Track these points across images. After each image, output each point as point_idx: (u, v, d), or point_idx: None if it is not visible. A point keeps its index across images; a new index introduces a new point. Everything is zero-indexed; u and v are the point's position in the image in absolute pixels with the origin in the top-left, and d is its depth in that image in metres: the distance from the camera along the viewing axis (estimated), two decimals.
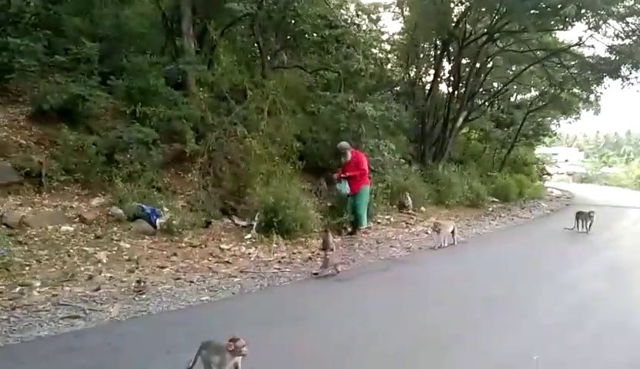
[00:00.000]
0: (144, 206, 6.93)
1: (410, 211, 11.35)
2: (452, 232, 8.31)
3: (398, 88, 17.40)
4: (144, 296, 4.88)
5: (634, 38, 13.48)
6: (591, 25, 13.52)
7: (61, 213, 6.57)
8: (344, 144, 8.82)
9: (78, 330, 4.01)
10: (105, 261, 5.66)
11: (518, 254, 8.15)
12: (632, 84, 14.99)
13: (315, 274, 5.98)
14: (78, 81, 8.02)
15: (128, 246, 6.20)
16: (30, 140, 7.52)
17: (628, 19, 13.11)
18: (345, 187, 8.53)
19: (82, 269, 5.38)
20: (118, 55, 9.32)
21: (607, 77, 16.07)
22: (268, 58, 11.45)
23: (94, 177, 7.31)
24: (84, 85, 7.95)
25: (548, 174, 28.47)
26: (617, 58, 14.64)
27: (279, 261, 6.57)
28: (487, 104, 20.76)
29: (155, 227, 6.81)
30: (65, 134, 7.27)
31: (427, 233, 9.46)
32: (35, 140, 7.58)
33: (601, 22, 13.31)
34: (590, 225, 9.86)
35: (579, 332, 4.27)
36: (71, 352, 3.58)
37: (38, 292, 4.72)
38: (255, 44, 11.41)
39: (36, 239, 5.81)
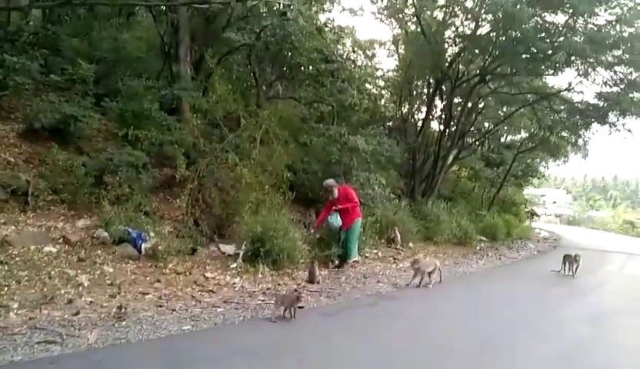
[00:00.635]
0: (130, 230, 6.84)
1: (398, 246, 11.32)
2: (433, 271, 7.97)
3: (390, 124, 17.61)
4: (124, 323, 4.77)
5: (621, 86, 13.81)
6: (580, 72, 13.85)
7: (45, 233, 6.46)
8: (330, 181, 8.79)
9: (53, 356, 3.90)
10: (86, 285, 5.54)
11: (504, 296, 8.12)
12: (619, 130, 15.28)
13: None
14: (72, 102, 8.04)
15: (111, 270, 6.09)
16: (19, 158, 7.46)
17: (616, 68, 13.46)
18: (336, 221, 8.47)
19: (62, 292, 5.26)
20: (113, 78, 9.38)
21: (595, 122, 16.38)
22: (264, 87, 11.58)
23: (81, 199, 7.23)
24: (77, 106, 7.97)
25: (536, 215, 28.64)
26: (605, 104, 14.97)
27: (264, 292, 6.47)
28: (477, 143, 21.06)
29: (140, 251, 6.70)
30: (55, 154, 7.23)
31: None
32: (24, 158, 7.52)
33: (590, 69, 13.64)
34: (576, 269, 9.88)
35: None
36: None
37: (15, 314, 4.60)
38: (251, 74, 11.55)
39: (17, 259, 5.68)
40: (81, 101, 8.11)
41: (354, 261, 8.76)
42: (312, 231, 8.88)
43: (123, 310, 5.03)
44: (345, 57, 12.14)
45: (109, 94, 8.85)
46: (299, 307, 5.96)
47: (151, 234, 7.14)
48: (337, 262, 8.58)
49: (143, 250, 6.72)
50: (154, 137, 8.06)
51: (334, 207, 8.48)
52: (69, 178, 7.21)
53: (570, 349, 5.14)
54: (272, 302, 5.52)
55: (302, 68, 11.24)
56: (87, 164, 7.44)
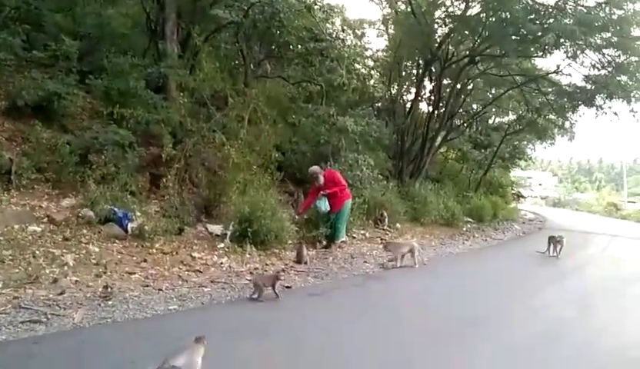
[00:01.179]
0: (116, 209, 6.77)
1: (385, 227, 11.37)
2: (411, 252, 7.94)
3: (379, 105, 17.57)
4: (110, 302, 4.75)
5: (609, 69, 13.86)
6: (569, 54, 13.87)
7: (30, 212, 6.39)
8: (315, 168, 8.76)
9: (38, 336, 3.87)
10: (71, 264, 5.49)
11: (489, 276, 8.21)
12: (606, 113, 15.38)
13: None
14: (56, 79, 7.88)
15: (96, 250, 6.04)
16: (1, 135, 7.36)
17: (605, 50, 13.48)
18: (324, 205, 8.46)
19: (47, 271, 5.21)
20: (98, 55, 9.19)
21: (582, 105, 16.46)
22: (252, 66, 11.43)
23: (66, 177, 7.14)
24: (61, 83, 7.81)
25: (522, 197, 28.92)
26: (592, 87, 15.02)
27: (251, 272, 6.47)
28: (465, 125, 21.08)
29: (126, 231, 6.65)
30: (38, 132, 7.11)
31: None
32: (7, 136, 7.40)
33: (578, 52, 13.65)
34: (560, 250, 10.02)
35: (545, 358, 4.30)
36: (30, 358, 3.46)
37: None
38: (239, 53, 11.37)
39: (1, 238, 5.61)
40: (64, 78, 7.95)
41: (341, 242, 8.79)
42: (297, 216, 8.85)
43: (109, 289, 5.00)
44: (334, 36, 11.99)
45: (94, 71, 8.68)
46: (286, 287, 6.01)
47: (138, 213, 7.08)
48: (324, 243, 8.60)
49: (129, 229, 6.67)
50: (140, 115, 7.93)
51: (322, 192, 8.47)
52: (53, 157, 7.11)
53: (553, 328, 5.21)
54: (252, 284, 5.50)
55: (291, 47, 11.12)
56: (71, 143, 7.34)
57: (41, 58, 8.24)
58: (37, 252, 5.56)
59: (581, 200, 48.44)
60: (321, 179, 8.51)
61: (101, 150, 7.39)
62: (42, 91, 7.59)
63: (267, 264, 7.04)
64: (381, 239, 10.34)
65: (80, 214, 6.67)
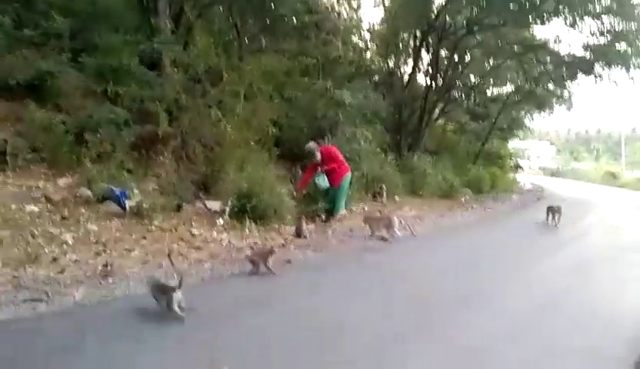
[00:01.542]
0: (113, 188, 6.74)
1: (384, 201, 11.39)
2: (386, 226, 7.85)
3: (376, 78, 17.39)
4: (110, 280, 4.76)
5: (608, 36, 13.72)
6: (567, 22, 13.71)
7: (27, 192, 6.36)
8: (311, 145, 8.67)
9: (40, 314, 3.89)
10: (70, 243, 5.49)
11: (488, 247, 8.24)
12: (605, 82, 15.31)
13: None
14: (48, 57, 7.76)
15: (95, 228, 6.03)
16: None
17: (604, 17, 13.32)
18: (323, 181, 8.43)
19: (47, 251, 5.20)
20: (90, 32, 9.02)
21: (581, 74, 16.35)
22: (246, 41, 11.29)
23: (62, 157, 7.09)
24: (53, 62, 7.71)
25: (521, 167, 28.89)
26: (591, 55, 14.91)
27: (251, 247, 6.48)
28: (463, 96, 20.91)
29: (124, 209, 6.63)
30: (32, 112, 7.04)
31: (400, 223, 9.49)
32: (0, 116, 7.30)
33: (577, 19, 13.50)
34: (559, 219, 10.05)
35: (546, 325, 4.34)
36: (33, 336, 3.47)
37: None
38: (233, 27, 11.20)
39: None
40: (56, 56, 7.84)
41: (340, 216, 8.80)
42: (296, 193, 8.83)
43: (109, 267, 5.00)
44: (329, 8, 11.80)
45: (86, 49, 8.54)
46: (287, 262, 6.03)
47: (135, 191, 7.04)
48: (324, 217, 8.61)
49: (127, 207, 6.65)
50: (134, 93, 7.86)
51: (320, 169, 8.43)
52: (48, 137, 7.05)
53: (553, 298, 5.25)
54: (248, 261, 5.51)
55: (286, 20, 10.95)
56: (66, 122, 7.28)
57: (32, 37, 8.10)
58: (35, 232, 5.54)
59: (579, 170, 48.41)
60: (318, 156, 8.46)
61: (97, 128, 7.32)
62: (34, 70, 7.49)
63: (266, 239, 7.04)
64: (380, 212, 10.35)
65: (77, 194, 6.65)
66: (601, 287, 5.86)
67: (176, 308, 3.80)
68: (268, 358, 3.32)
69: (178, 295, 3.82)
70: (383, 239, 7.72)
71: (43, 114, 7.17)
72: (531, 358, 3.59)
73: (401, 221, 8.11)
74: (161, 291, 3.95)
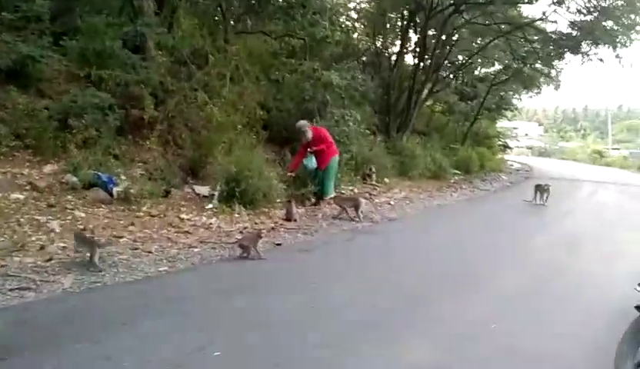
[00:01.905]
0: (100, 174, 6.66)
1: (374, 182, 11.40)
2: (355, 207, 7.87)
3: (364, 58, 17.28)
4: (99, 266, 4.72)
5: (595, 14, 13.71)
6: (555, 0, 13.66)
7: (11, 180, 6.25)
8: (302, 122, 8.61)
9: (28, 302, 3.83)
10: (57, 231, 5.42)
11: (477, 226, 8.32)
12: (591, 60, 15.35)
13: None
14: (28, 41, 7.54)
15: (82, 215, 5.97)
16: None
17: None
18: (312, 162, 8.41)
19: (33, 239, 5.14)
20: (71, 15, 8.82)
21: (568, 52, 16.38)
22: (231, 22, 11.10)
23: (46, 143, 6.94)
24: (34, 45, 7.48)
25: (509, 147, 29.06)
26: (578, 33, 14.91)
27: (241, 232, 6.46)
28: (451, 76, 20.91)
29: (111, 195, 6.56)
30: (15, 97, 6.88)
31: (389, 204, 9.55)
32: None
33: None
34: (547, 198, 10.15)
35: (537, 302, 4.39)
36: (22, 325, 3.43)
37: None
38: (218, 8, 11.01)
39: None
40: (37, 40, 7.62)
41: (330, 198, 8.78)
42: (289, 174, 8.79)
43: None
44: None
45: (68, 32, 8.33)
46: (277, 245, 6.03)
47: (122, 177, 6.98)
48: (313, 200, 8.59)
49: (115, 194, 6.58)
50: (118, 77, 7.69)
51: (309, 150, 8.39)
52: (32, 122, 6.90)
53: (540, 276, 5.32)
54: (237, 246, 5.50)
55: (271, 1, 10.76)
56: (50, 108, 7.13)
57: (11, 20, 7.85)
58: (21, 220, 5.47)
59: (566, 149, 48.90)
60: (309, 134, 8.40)
61: (81, 114, 7.16)
62: (15, 55, 7.27)
63: (256, 223, 7.03)
64: (370, 194, 10.36)
65: (63, 180, 6.55)
66: (589, 264, 5.94)
67: (97, 261, 4.46)
68: (257, 343, 3.32)
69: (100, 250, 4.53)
70: (353, 220, 7.76)
71: (26, 99, 7.02)
72: (520, 338, 3.63)
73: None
74: (87, 244, 4.64)
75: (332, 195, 8.73)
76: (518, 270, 5.51)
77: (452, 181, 14.35)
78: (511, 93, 24.18)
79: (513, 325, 3.82)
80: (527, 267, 5.65)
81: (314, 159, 8.41)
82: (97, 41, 8.01)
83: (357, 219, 7.72)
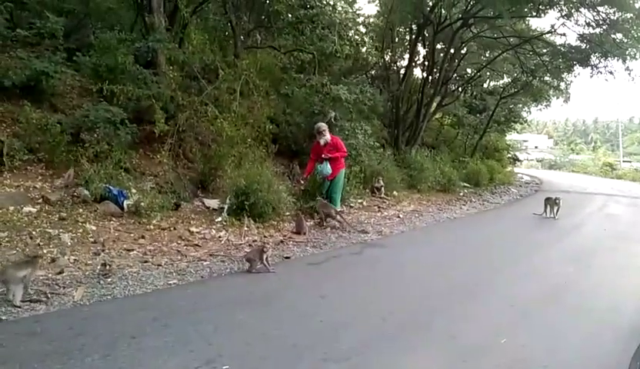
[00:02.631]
0: (111, 187, 6.74)
1: (382, 195, 11.39)
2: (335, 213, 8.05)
3: (372, 72, 17.37)
4: (109, 279, 4.76)
5: (604, 26, 13.69)
6: (563, 13, 13.69)
7: (24, 193, 6.34)
8: (323, 124, 8.59)
9: (39, 315, 3.88)
10: (69, 244, 5.48)
11: (488, 239, 8.26)
12: (601, 72, 15.30)
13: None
14: (42, 57, 7.71)
15: (93, 228, 6.03)
16: None
17: (599, 8, 13.29)
18: (327, 169, 8.34)
19: (45, 251, 5.19)
20: (84, 31, 9.02)
21: (577, 65, 16.34)
22: (241, 37, 11.23)
23: (58, 157, 7.05)
24: (48, 61, 7.63)
25: (518, 160, 28.95)
26: (587, 46, 14.89)
27: (250, 245, 6.48)
28: (460, 89, 20.96)
29: (122, 209, 6.63)
30: (28, 112, 6.99)
31: (399, 217, 9.54)
32: None
33: (573, 10, 13.47)
34: (557, 211, 10.07)
35: (548, 315, 4.35)
36: (32, 337, 3.46)
37: None
38: (228, 24, 11.15)
39: None
40: (51, 56, 7.77)
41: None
42: (303, 181, 8.79)
43: (108, 267, 5.00)
44: (324, 2, 11.73)
45: (81, 48, 8.50)
46: (285, 258, 6.04)
47: (133, 190, 7.04)
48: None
49: (125, 207, 6.65)
50: (130, 91, 7.79)
51: (323, 156, 8.39)
52: (45, 137, 7.01)
53: (551, 289, 5.27)
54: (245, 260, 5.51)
55: (281, 16, 10.89)
56: (62, 122, 7.24)
57: (26, 37, 8.04)
58: (33, 233, 5.54)
59: (577, 161, 48.49)
60: (328, 137, 8.40)
61: (93, 128, 7.28)
62: (29, 71, 7.42)
63: (265, 236, 7.04)
64: (379, 207, 10.38)
65: (75, 194, 6.63)
66: (600, 278, 5.87)
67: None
68: (267, 356, 3.32)
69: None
70: (335, 226, 7.87)
71: (39, 114, 7.13)
72: (531, 351, 3.60)
73: None
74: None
75: (339, 210, 8.66)
76: (529, 283, 5.45)
77: (462, 194, 14.28)
78: (520, 106, 24.13)
79: (524, 338, 3.79)
80: (538, 279, 5.60)
81: (328, 165, 8.39)
82: (109, 56, 8.15)
83: (339, 224, 7.93)
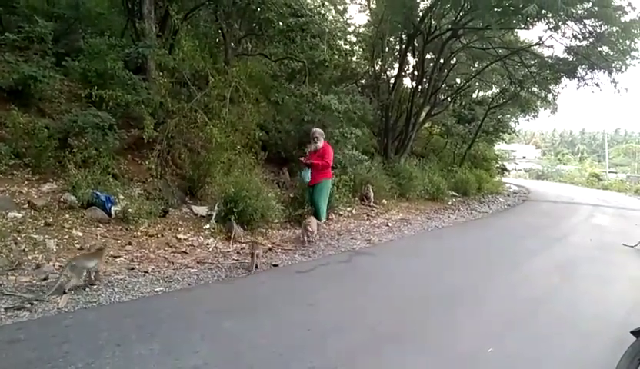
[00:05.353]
0: (98, 193, 6.67)
1: (372, 204, 11.42)
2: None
3: (362, 81, 17.46)
4: (95, 286, 4.71)
5: (590, 39, 13.88)
6: (551, 26, 13.86)
7: (9, 198, 6.25)
8: (319, 130, 8.49)
9: (22, 322, 3.82)
10: (54, 250, 5.43)
11: (475, 248, 8.31)
12: (587, 84, 15.49)
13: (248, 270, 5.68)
14: (31, 61, 7.65)
15: (80, 234, 5.97)
16: None
17: (586, 21, 13.48)
18: (307, 175, 8.28)
19: (30, 257, 5.14)
20: (74, 36, 8.96)
21: (564, 77, 16.56)
22: (232, 44, 11.23)
23: (45, 162, 6.97)
24: (37, 66, 7.58)
25: (506, 170, 29.18)
26: (574, 58, 15.09)
27: (238, 252, 6.47)
28: (449, 99, 21.12)
29: (109, 215, 6.58)
30: (15, 116, 6.91)
31: (387, 225, 9.57)
32: None
33: (560, 23, 13.65)
34: None
35: (534, 325, 4.38)
36: (15, 344, 3.41)
37: None
38: (219, 31, 11.17)
39: None
40: (40, 60, 7.72)
41: (324, 222, 8.68)
42: (304, 160, 8.58)
43: (93, 274, 4.94)
44: (314, 11, 11.78)
45: (70, 53, 8.46)
46: (273, 266, 6.03)
47: (121, 196, 6.99)
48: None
49: (113, 213, 6.60)
50: (119, 97, 7.74)
51: (302, 160, 8.35)
52: (32, 141, 6.93)
53: (538, 298, 5.30)
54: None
55: (272, 24, 10.92)
56: (50, 127, 7.17)
57: (14, 41, 7.97)
58: (18, 238, 5.47)
59: (564, 171, 49.01)
60: (320, 144, 8.30)
61: (81, 133, 7.22)
62: (17, 75, 7.36)
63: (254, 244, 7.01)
64: (368, 215, 10.40)
65: (61, 199, 6.56)
66: (586, 287, 5.92)
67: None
68: (253, 365, 3.30)
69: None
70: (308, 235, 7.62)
71: (26, 118, 7.06)
72: (518, 361, 3.61)
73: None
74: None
75: (324, 220, 8.57)
76: (516, 291, 5.50)
77: (450, 203, 14.38)
78: (508, 116, 24.33)
79: (511, 348, 3.81)
80: (525, 288, 5.64)
81: (309, 172, 8.23)
82: (99, 61, 8.11)
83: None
